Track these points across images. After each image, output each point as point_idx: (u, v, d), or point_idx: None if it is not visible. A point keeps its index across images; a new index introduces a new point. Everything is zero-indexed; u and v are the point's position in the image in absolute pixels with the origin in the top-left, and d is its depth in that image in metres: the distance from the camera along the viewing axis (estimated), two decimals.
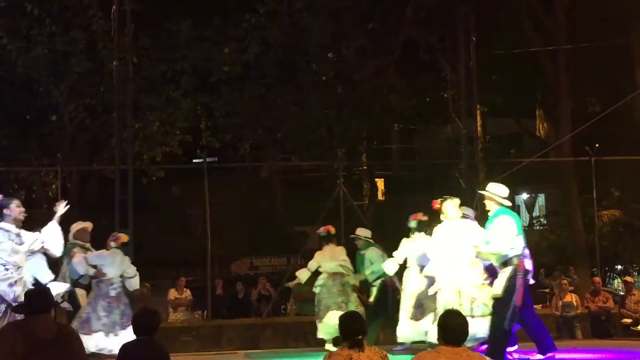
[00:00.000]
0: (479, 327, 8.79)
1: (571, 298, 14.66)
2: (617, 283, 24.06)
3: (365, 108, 18.78)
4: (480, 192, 9.12)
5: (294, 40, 17.88)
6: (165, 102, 17.52)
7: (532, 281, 9.10)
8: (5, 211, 8.50)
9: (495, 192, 8.90)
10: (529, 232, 29.70)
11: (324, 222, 12.57)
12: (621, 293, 17.04)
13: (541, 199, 31.15)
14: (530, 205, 31.52)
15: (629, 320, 14.58)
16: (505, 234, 8.54)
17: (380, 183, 27.28)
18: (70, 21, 16.39)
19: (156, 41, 17.03)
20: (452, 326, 5.01)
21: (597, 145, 16.97)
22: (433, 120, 22.88)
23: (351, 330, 5.51)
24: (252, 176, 21.90)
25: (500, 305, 8.47)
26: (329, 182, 17.81)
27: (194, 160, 20.81)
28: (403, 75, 19.12)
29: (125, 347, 5.87)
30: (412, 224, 10.91)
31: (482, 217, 10.17)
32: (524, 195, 31.44)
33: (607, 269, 23.21)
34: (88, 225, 11.20)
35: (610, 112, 16.50)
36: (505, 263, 8.53)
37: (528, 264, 8.84)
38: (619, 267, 24.23)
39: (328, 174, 18.80)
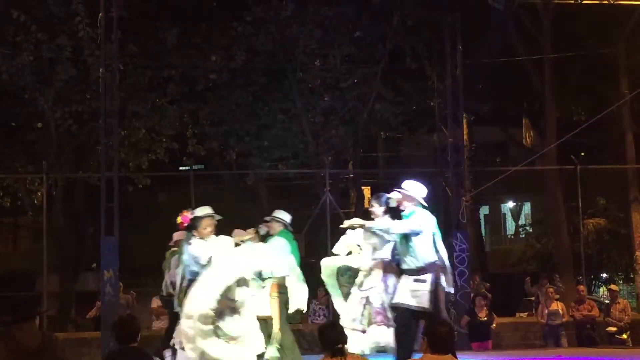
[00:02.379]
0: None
1: (557, 306, 14.69)
2: (603, 291, 24.15)
3: (351, 116, 18.81)
4: (396, 189, 8.27)
5: (280, 48, 17.90)
6: (152, 110, 17.49)
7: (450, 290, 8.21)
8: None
9: (414, 189, 8.18)
10: (514, 240, 29.95)
11: (311, 230, 12.56)
12: (606, 301, 17.09)
13: (527, 207, 31.27)
14: (516, 214, 31.65)
15: (614, 329, 14.62)
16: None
17: (366, 191, 27.27)
18: (57, 28, 16.35)
19: (143, 48, 17.01)
20: (439, 334, 5.01)
21: (582, 153, 17.06)
22: (419, 129, 22.90)
23: (331, 340, 5.51)
24: (238, 184, 21.85)
25: (427, 320, 7.71)
26: (316, 190, 17.80)
27: (180, 168, 20.75)
28: (389, 83, 19.14)
29: (111, 356, 5.85)
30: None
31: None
32: (510, 204, 31.57)
33: (592, 277, 23.30)
34: None
35: (595, 121, 16.61)
36: (423, 269, 7.90)
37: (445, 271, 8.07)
38: (604, 275, 24.33)
39: (314, 182, 18.80)
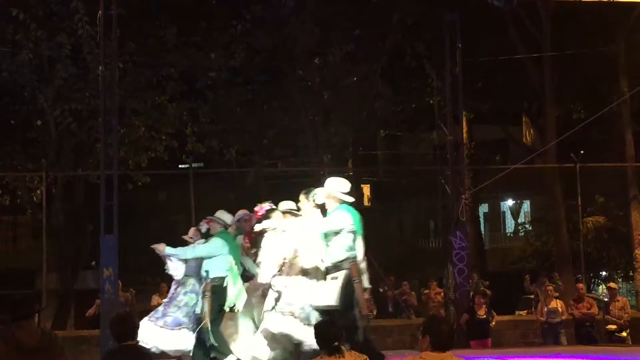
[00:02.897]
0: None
1: (556, 304, 14.68)
2: (602, 289, 24.17)
3: (351, 114, 18.81)
4: (318, 189, 8.17)
5: (280, 47, 17.90)
6: (151, 108, 17.50)
7: (367, 285, 8.09)
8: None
9: (335, 187, 8.05)
10: (514, 238, 29.97)
11: None
12: (605, 299, 17.09)
13: (526, 206, 31.29)
14: (515, 212, 31.67)
15: (613, 327, 14.60)
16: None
17: (366, 189, 27.34)
18: (56, 26, 16.35)
19: (142, 46, 17.01)
20: (440, 332, 5.00)
21: (582, 152, 17.06)
22: (419, 127, 22.93)
23: (327, 338, 5.52)
24: (238, 182, 21.89)
25: (338, 317, 7.43)
26: (315, 188, 17.80)
27: (180, 166, 20.76)
28: (389, 81, 19.16)
29: (110, 354, 5.85)
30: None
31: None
32: (510, 202, 31.59)
33: (591, 275, 23.31)
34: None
35: (595, 119, 16.61)
36: (336, 267, 7.71)
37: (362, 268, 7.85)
38: (604, 273, 24.35)
39: (314, 180, 18.81)
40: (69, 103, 16.61)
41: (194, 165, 17.91)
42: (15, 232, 27.89)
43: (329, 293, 7.65)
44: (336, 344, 5.47)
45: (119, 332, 5.69)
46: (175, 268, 9.28)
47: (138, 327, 5.80)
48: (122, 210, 13.82)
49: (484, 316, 13.96)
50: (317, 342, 5.59)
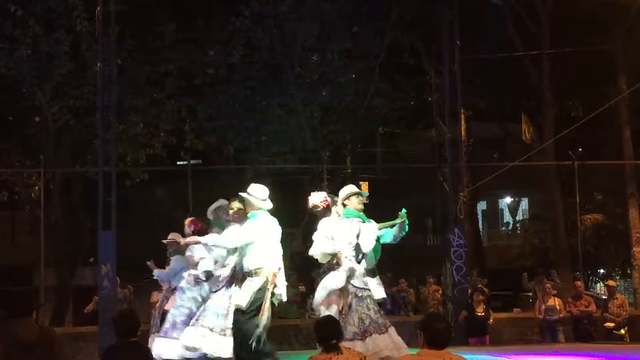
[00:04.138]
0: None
1: (554, 302, 14.69)
2: (600, 287, 24.19)
3: (349, 111, 18.81)
4: (241, 194, 8.17)
5: (278, 43, 17.89)
6: (150, 104, 17.49)
7: (285, 298, 7.93)
8: None
9: (252, 194, 8.08)
10: (512, 236, 29.97)
11: (308, 225, 12.51)
12: (603, 297, 17.09)
13: (524, 203, 31.29)
14: (513, 209, 31.67)
15: (611, 324, 14.61)
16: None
17: (364, 186, 27.21)
18: (55, 22, 16.34)
19: (141, 43, 17.00)
20: (436, 329, 5.00)
21: (580, 149, 17.07)
22: (417, 124, 22.90)
23: (326, 335, 5.52)
24: (236, 179, 21.85)
25: (243, 320, 7.54)
26: (314, 185, 17.80)
27: (178, 163, 20.75)
28: (388, 78, 19.14)
29: (109, 350, 5.85)
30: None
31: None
32: (508, 199, 31.59)
33: (589, 272, 23.32)
34: None
35: (593, 117, 16.60)
36: (255, 273, 7.69)
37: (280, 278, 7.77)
38: (602, 271, 24.36)
39: (312, 177, 18.80)
40: (67, 99, 16.61)
41: (192, 162, 17.89)
42: (13, 228, 27.87)
43: (241, 295, 7.69)
44: (334, 341, 5.47)
45: (122, 329, 5.70)
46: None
47: (140, 325, 5.81)
48: (120, 207, 13.83)
49: (483, 313, 13.98)
50: (317, 338, 5.60)
